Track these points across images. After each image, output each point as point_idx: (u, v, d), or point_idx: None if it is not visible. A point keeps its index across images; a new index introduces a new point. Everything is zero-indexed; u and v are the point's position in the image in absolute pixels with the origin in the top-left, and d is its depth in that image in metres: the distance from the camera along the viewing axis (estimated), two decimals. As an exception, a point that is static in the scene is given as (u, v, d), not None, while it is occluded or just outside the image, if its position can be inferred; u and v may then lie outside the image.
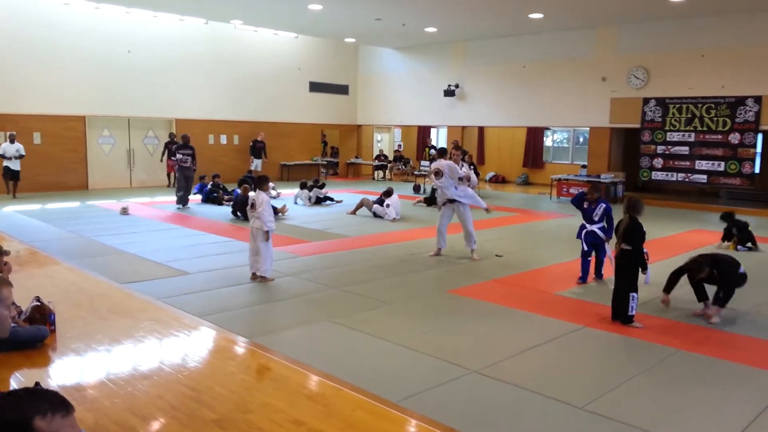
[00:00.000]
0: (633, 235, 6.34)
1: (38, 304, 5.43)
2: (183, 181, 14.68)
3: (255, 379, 4.60)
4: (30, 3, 16.73)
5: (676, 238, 11.84)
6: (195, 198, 15.96)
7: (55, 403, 1.76)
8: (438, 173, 9.06)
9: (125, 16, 18.50)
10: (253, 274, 7.96)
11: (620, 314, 6.39)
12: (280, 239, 10.56)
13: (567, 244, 10.90)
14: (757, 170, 16.83)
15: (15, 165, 15.69)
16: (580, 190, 8.74)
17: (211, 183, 16.49)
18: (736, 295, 6.79)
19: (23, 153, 15.81)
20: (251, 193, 7.97)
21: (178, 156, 14.72)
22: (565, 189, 18.18)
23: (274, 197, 16.31)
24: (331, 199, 16.30)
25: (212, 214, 13.93)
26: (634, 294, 6.34)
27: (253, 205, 7.79)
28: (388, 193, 13.91)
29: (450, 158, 9.71)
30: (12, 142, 15.69)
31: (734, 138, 16.15)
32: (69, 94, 17.65)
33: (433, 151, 22.92)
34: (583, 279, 8.12)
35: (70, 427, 1.76)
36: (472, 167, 18.02)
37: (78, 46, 17.67)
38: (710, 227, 12.95)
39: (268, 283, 7.81)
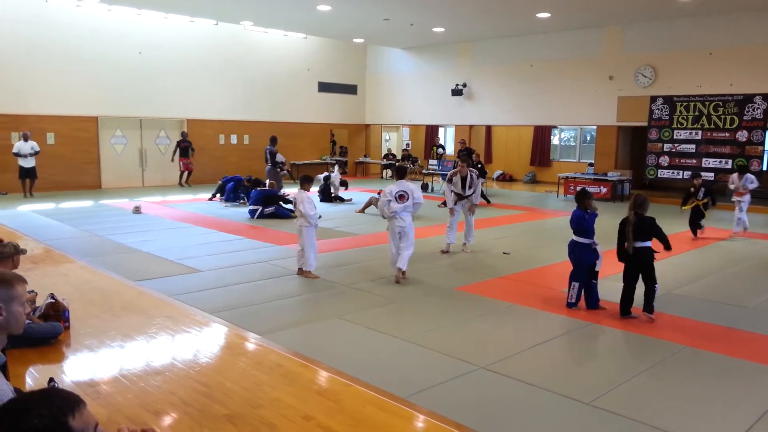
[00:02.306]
0: (656, 230, 6.47)
1: (53, 301, 5.51)
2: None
3: (266, 375, 4.65)
4: (42, 5, 16.89)
5: (682, 235, 11.82)
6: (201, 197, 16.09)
7: (74, 399, 1.78)
8: (403, 197, 8.10)
9: (136, 17, 18.63)
10: (300, 269, 8.21)
11: (648, 306, 6.46)
12: (289, 237, 10.63)
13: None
14: (765, 168, 16.76)
15: (30, 163, 15.83)
16: (576, 212, 6.93)
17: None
18: (745, 292, 6.83)
19: (38, 149, 15.91)
20: (294, 192, 8.26)
21: (282, 158, 15.07)
22: (572, 187, 18.16)
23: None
24: (341, 199, 16.38)
25: (224, 213, 14.00)
26: (657, 285, 6.47)
27: (296, 204, 8.14)
28: None
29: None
30: (26, 140, 15.83)
31: (742, 136, 16.10)
32: (81, 95, 17.80)
33: (441, 150, 23.06)
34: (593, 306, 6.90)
35: (89, 416, 1.81)
36: (479, 165, 18.12)
37: (90, 48, 17.81)
38: (716, 225, 12.93)
39: (281, 281, 7.88)
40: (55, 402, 1.73)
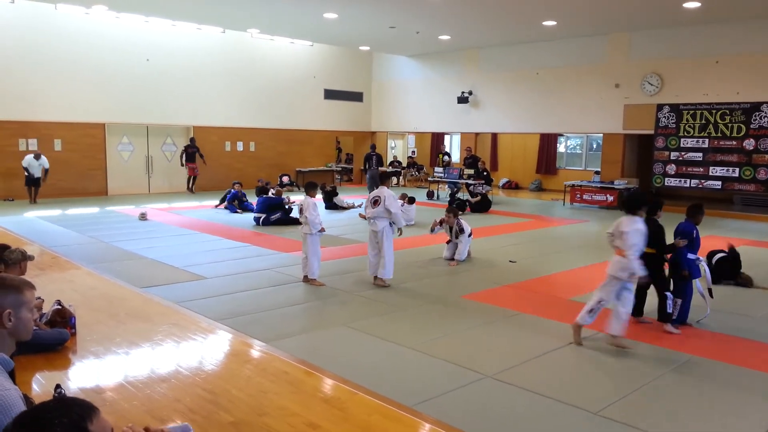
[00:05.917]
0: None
1: (59, 307, 5.53)
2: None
3: (271, 382, 4.65)
4: (51, 12, 16.99)
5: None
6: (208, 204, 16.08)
7: (89, 405, 1.84)
8: (377, 201, 8.05)
9: (144, 25, 18.73)
10: (305, 276, 8.18)
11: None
12: (295, 245, 10.63)
13: (580, 250, 10.91)
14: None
15: (38, 174, 15.90)
16: (685, 224, 6.57)
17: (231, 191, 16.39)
18: (751, 302, 6.78)
19: (47, 167, 15.95)
20: (300, 198, 8.21)
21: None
22: (578, 195, 18.12)
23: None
24: (345, 208, 16.42)
25: (230, 220, 14.03)
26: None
27: (301, 210, 8.11)
28: (411, 200, 14.14)
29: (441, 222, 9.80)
30: (37, 159, 15.84)
31: (749, 144, 16.05)
32: (89, 102, 17.89)
33: (446, 158, 23.08)
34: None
35: (105, 422, 1.86)
36: (485, 173, 18.13)
37: (98, 55, 17.92)
38: (723, 233, 12.86)
39: (286, 289, 7.88)
40: (74, 410, 1.79)
